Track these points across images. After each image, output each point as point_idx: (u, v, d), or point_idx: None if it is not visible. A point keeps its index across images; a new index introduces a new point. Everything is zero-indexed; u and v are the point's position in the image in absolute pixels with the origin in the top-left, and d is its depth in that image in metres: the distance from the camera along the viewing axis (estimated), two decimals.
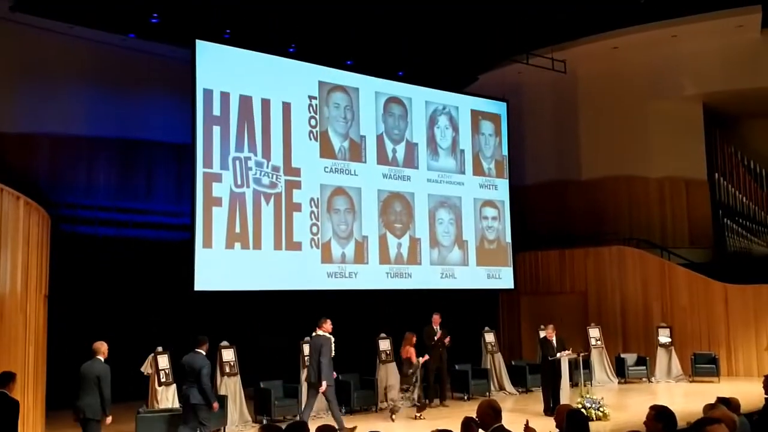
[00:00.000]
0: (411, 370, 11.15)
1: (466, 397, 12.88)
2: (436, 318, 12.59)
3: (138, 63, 15.18)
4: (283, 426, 4.47)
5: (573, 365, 11.89)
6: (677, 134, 18.09)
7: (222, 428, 10.15)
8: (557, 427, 5.03)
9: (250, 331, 13.65)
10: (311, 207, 13.19)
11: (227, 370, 10.82)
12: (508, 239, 16.40)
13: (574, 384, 11.82)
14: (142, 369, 10.49)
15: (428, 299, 14.18)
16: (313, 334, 10.19)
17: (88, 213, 14.20)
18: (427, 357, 11.57)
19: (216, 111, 12.28)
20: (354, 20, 14.45)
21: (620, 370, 14.84)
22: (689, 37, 16.91)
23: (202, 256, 11.73)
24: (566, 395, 11.03)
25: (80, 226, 13.82)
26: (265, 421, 10.38)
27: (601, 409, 10.41)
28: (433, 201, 15.06)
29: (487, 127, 16.34)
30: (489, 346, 13.97)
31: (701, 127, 18.30)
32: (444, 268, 15.05)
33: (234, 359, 10.98)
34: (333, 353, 10.10)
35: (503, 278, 16.22)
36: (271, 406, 10.78)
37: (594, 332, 15.05)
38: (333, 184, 13.57)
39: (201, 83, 12.14)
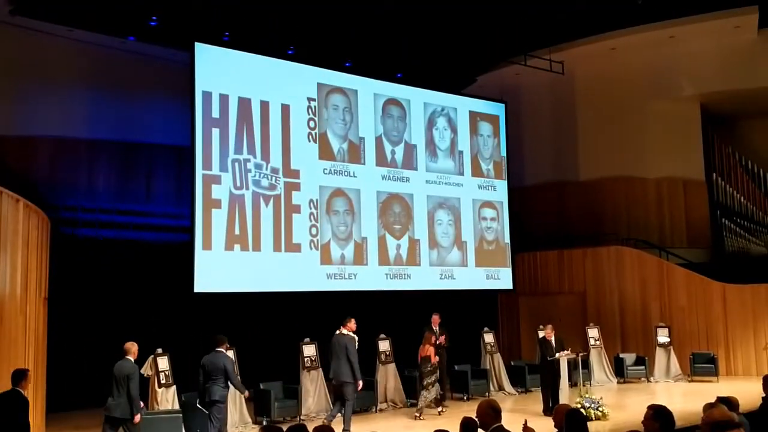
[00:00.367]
0: (430, 368, 11.22)
1: (465, 398, 12.91)
2: (436, 318, 12.64)
3: (137, 66, 15.23)
4: (284, 427, 4.50)
5: (572, 365, 11.91)
6: (675, 135, 18.13)
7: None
8: (555, 427, 5.06)
9: (250, 332, 13.67)
10: (310, 208, 13.22)
11: None
12: (507, 240, 16.44)
13: (573, 384, 11.84)
14: (142, 371, 10.49)
15: (427, 300, 14.21)
16: (337, 332, 10.26)
17: (88, 215, 14.23)
18: (443, 339, 11.63)
19: (215, 113, 12.31)
20: (352, 22, 14.49)
21: (619, 370, 14.86)
22: (687, 37, 16.95)
23: (201, 257, 11.76)
24: (565, 395, 11.05)
25: (80, 228, 13.84)
26: (265, 422, 10.41)
27: (600, 408, 10.44)
28: (432, 202, 15.10)
29: (485, 128, 16.38)
30: (488, 347, 14.00)
31: (699, 128, 18.35)
32: (443, 269, 15.08)
33: (234, 361, 10.98)
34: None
35: (502, 279, 16.25)
36: (271, 407, 10.81)
37: (593, 332, 15.08)
38: (332, 186, 13.60)
39: (200, 86, 12.16)
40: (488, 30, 16.02)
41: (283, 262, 12.73)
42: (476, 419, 4.79)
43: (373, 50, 15.56)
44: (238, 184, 12.37)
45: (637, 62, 17.85)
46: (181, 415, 9.31)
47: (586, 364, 13.98)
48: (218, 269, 11.94)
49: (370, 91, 14.43)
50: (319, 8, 13.98)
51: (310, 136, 13.44)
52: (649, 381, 14.67)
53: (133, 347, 8.17)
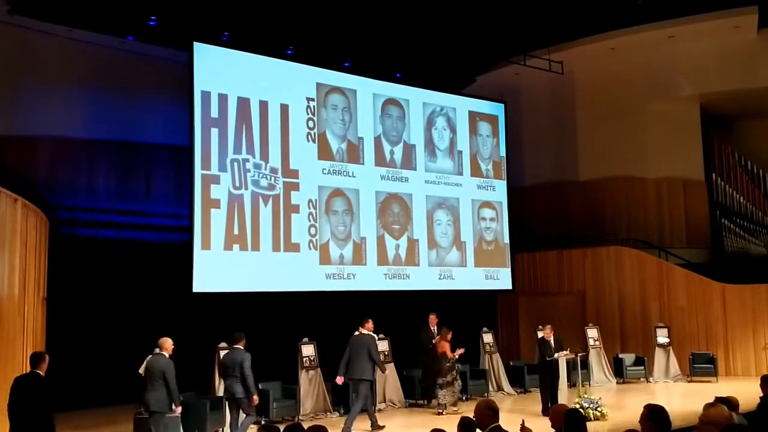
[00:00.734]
0: (448, 364, 11.23)
1: (464, 398, 12.88)
2: (433, 318, 12.64)
3: (136, 66, 15.23)
4: (281, 427, 4.50)
5: (571, 365, 11.90)
6: (675, 135, 18.14)
7: (221, 429, 10.17)
8: (553, 427, 5.05)
9: (249, 332, 13.61)
10: (309, 208, 13.22)
11: None
12: (506, 240, 16.43)
13: (572, 384, 11.83)
14: (141, 371, 10.49)
15: (426, 300, 14.19)
16: (356, 333, 10.34)
17: (88, 215, 14.23)
18: (462, 350, 11.59)
19: (214, 113, 12.30)
20: (352, 22, 14.49)
21: (618, 370, 14.86)
22: (686, 37, 16.95)
23: (200, 257, 11.75)
24: (564, 395, 11.05)
25: (80, 228, 13.84)
26: (263, 422, 10.40)
27: (599, 409, 10.44)
28: (431, 202, 15.09)
29: (484, 128, 16.38)
30: (487, 347, 14.00)
31: (698, 128, 18.36)
32: (442, 269, 15.07)
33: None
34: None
35: (501, 279, 16.24)
36: (270, 407, 10.80)
37: (592, 332, 15.08)
38: (331, 186, 13.59)
39: (199, 85, 12.16)
40: (488, 30, 16.02)
41: (282, 262, 12.73)
42: (474, 419, 4.79)
43: (372, 50, 15.55)
44: (237, 184, 12.37)
45: (636, 62, 17.85)
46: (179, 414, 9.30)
47: (586, 365, 13.99)
48: (217, 269, 11.93)
49: (369, 91, 14.43)
50: (318, 8, 13.98)
51: (309, 136, 13.44)
52: (648, 381, 14.67)
53: (166, 342, 8.31)
